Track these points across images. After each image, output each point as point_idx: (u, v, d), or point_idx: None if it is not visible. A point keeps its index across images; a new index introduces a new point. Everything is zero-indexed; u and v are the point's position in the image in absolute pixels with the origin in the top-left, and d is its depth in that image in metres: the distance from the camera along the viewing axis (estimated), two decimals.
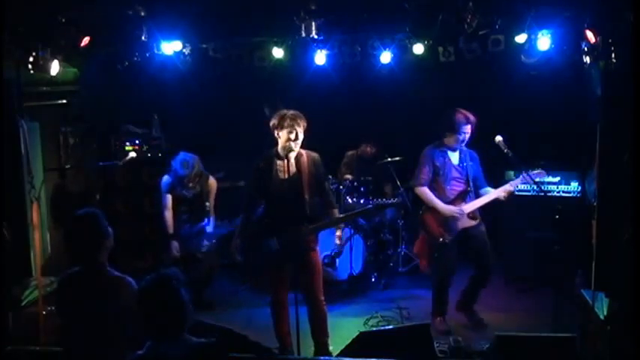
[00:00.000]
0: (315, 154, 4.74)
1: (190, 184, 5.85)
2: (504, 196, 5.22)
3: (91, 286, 3.35)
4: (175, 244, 5.85)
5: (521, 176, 5.18)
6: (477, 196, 5.33)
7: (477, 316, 5.50)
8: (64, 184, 6.27)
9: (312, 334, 4.89)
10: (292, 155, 4.66)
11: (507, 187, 5.23)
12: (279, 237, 4.65)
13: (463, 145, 5.25)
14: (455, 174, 5.30)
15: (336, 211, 4.81)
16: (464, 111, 5.18)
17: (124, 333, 3.29)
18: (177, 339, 2.70)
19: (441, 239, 5.29)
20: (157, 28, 5.27)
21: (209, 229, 6.02)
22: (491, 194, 5.24)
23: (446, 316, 5.51)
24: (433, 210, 5.31)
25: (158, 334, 2.71)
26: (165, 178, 5.89)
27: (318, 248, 4.85)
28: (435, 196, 5.31)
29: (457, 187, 5.31)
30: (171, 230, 5.88)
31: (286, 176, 4.63)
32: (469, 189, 5.28)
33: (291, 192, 4.62)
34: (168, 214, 5.88)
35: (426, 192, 5.32)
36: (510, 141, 5.17)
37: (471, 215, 5.28)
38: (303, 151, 4.70)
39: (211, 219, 6.04)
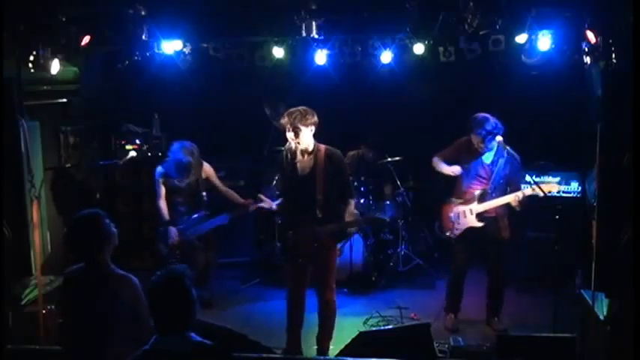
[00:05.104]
0: (334, 151, 4.71)
1: (188, 174, 5.81)
2: (515, 205, 5.13)
3: (94, 284, 3.36)
4: (173, 230, 5.81)
5: (530, 186, 5.14)
6: None
7: (500, 325, 5.42)
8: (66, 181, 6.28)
9: (317, 335, 4.89)
10: (309, 152, 4.64)
11: (513, 197, 5.12)
12: (294, 232, 4.67)
13: (485, 147, 5.17)
14: (481, 172, 5.29)
15: (349, 203, 4.74)
16: (482, 115, 5.15)
17: (126, 331, 3.29)
18: (181, 336, 2.72)
19: (447, 232, 5.42)
20: (158, 28, 5.26)
21: (220, 220, 5.89)
22: (502, 199, 5.19)
23: (457, 315, 5.56)
24: (450, 204, 5.40)
25: (164, 329, 2.73)
26: (159, 169, 5.87)
27: (336, 246, 4.82)
28: (453, 189, 5.40)
29: (477, 186, 5.30)
30: (166, 217, 5.84)
31: (303, 173, 4.64)
32: (488, 190, 5.24)
33: (304, 190, 4.63)
34: (162, 203, 5.86)
35: (435, 160, 5.43)
36: (510, 141, 5.18)
37: (486, 216, 5.26)
38: (323, 148, 4.68)
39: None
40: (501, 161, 5.21)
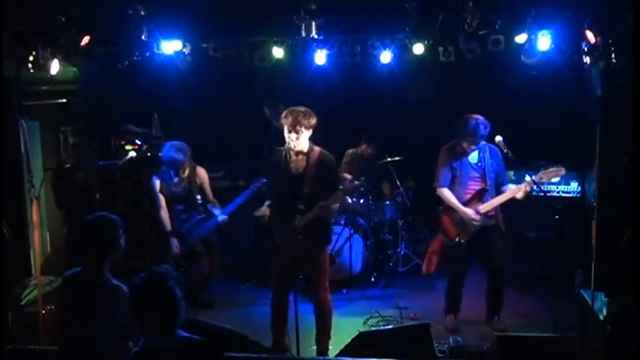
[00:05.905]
0: (327, 155, 4.69)
1: (180, 176, 5.79)
2: (522, 196, 5.12)
3: (87, 289, 3.38)
4: (175, 242, 5.80)
5: (538, 175, 5.10)
6: (498, 193, 5.28)
7: (500, 325, 5.39)
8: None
9: (315, 336, 4.88)
10: (304, 152, 4.63)
11: (523, 187, 5.11)
12: (279, 229, 4.66)
13: (475, 146, 5.19)
14: (472, 173, 5.28)
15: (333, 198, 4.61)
16: (476, 116, 5.16)
17: (118, 339, 3.29)
18: (170, 335, 2.73)
19: (457, 239, 5.33)
20: (157, 28, 5.26)
21: (221, 217, 5.82)
22: (507, 194, 5.19)
23: (457, 315, 5.55)
24: (450, 209, 5.33)
25: (151, 331, 2.74)
26: (154, 178, 5.85)
27: (326, 247, 4.81)
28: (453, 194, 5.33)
29: (475, 186, 5.29)
30: (168, 228, 5.84)
31: (294, 172, 4.64)
32: (487, 187, 5.24)
33: (292, 187, 4.62)
34: (164, 214, 5.84)
35: (445, 194, 5.33)
36: (510, 141, 5.18)
37: (489, 214, 5.24)
38: (317, 150, 4.67)
39: (216, 209, 5.87)
40: (487, 156, 5.24)
